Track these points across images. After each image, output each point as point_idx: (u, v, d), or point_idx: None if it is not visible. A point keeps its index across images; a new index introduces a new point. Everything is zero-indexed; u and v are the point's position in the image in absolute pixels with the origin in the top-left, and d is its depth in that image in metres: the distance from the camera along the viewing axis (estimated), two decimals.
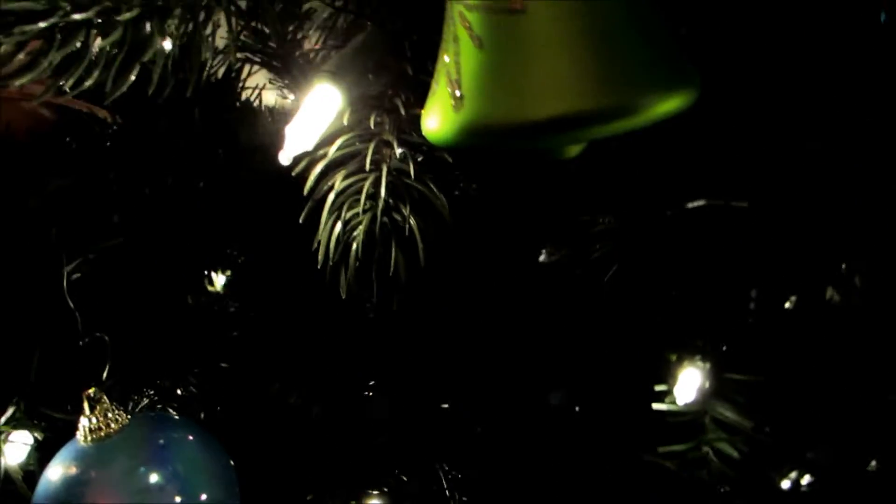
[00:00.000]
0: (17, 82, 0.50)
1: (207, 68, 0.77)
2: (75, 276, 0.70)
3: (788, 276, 0.74)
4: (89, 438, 0.65)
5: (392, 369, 0.83)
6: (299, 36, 0.86)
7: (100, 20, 0.51)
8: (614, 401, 0.79)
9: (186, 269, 0.86)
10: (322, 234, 0.59)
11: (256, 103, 0.89)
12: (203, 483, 0.66)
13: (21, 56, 0.50)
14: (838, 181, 0.67)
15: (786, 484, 0.78)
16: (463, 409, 0.81)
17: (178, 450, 0.66)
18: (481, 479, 0.81)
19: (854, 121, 0.65)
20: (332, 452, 0.82)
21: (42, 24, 0.49)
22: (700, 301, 0.74)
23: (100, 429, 0.65)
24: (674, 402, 0.73)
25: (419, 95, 0.59)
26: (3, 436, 0.71)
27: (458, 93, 0.47)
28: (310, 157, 0.60)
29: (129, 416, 0.66)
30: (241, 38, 0.83)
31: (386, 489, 0.81)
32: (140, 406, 0.79)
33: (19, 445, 0.72)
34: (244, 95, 0.88)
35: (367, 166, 0.59)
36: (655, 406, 0.74)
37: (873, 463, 0.76)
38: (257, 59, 0.89)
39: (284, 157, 0.55)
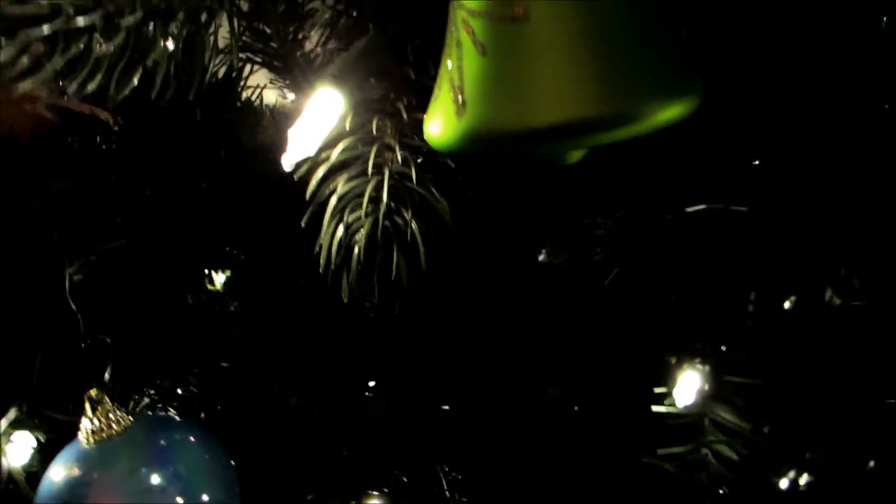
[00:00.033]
0: (21, 87, 0.50)
1: (209, 69, 0.77)
2: (77, 277, 0.70)
3: (787, 278, 0.74)
4: (91, 439, 0.65)
5: (393, 370, 0.83)
6: (300, 36, 0.86)
7: (103, 24, 0.51)
8: (614, 403, 0.79)
9: (187, 269, 0.86)
10: (324, 237, 0.59)
11: (257, 103, 0.89)
12: (204, 484, 0.66)
13: (24, 60, 0.50)
14: (838, 182, 0.67)
15: (784, 483, 0.78)
16: (463, 411, 0.82)
17: (180, 451, 0.67)
18: (481, 480, 0.81)
19: (854, 122, 0.65)
20: (333, 453, 0.82)
21: (45, 29, 0.49)
22: (699, 304, 0.74)
23: (101, 430, 0.65)
24: (673, 405, 0.73)
25: (421, 99, 0.59)
26: (5, 437, 0.71)
27: (460, 99, 0.47)
28: (312, 161, 0.60)
29: (130, 418, 0.66)
30: (243, 38, 0.83)
31: (386, 490, 0.81)
32: (141, 406, 0.80)
33: (22, 447, 0.72)
34: (245, 95, 0.88)
35: (370, 170, 0.59)
36: (655, 408, 0.74)
37: (871, 463, 0.77)
38: (258, 60, 0.89)
39: (287, 162, 0.55)
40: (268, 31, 0.84)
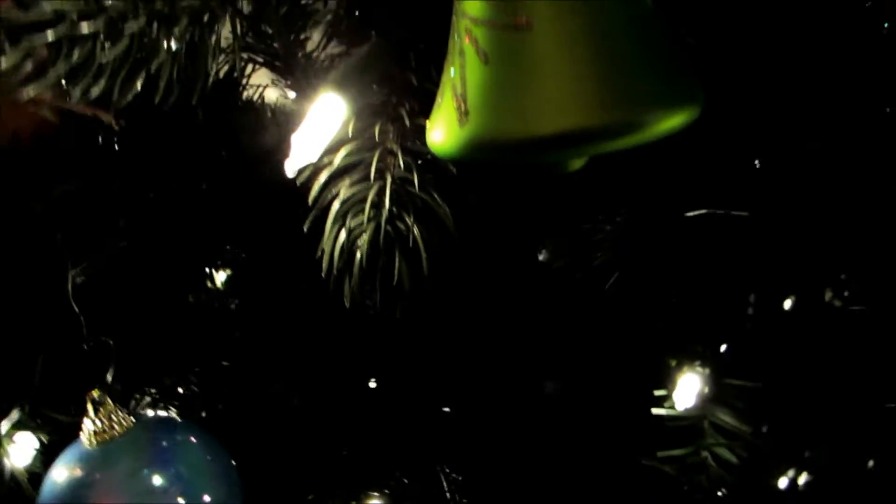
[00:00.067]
0: (25, 92, 0.50)
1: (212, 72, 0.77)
2: (79, 279, 0.70)
3: (787, 280, 0.74)
4: (93, 441, 0.65)
5: (394, 371, 0.83)
6: (302, 37, 0.86)
7: (106, 30, 0.51)
8: (614, 405, 0.80)
9: (189, 268, 0.87)
10: (326, 242, 0.59)
11: (259, 102, 0.89)
12: (206, 485, 0.66)
13: (28, 65, 0.50)
14: (838, 184, 0.67)
15: (783, 482, 0.78)
16: (464, 413, 0.82)
17: (181, 452, 0.67)
18: (481, 481, 0.82)
19: (854, 122, 0.65)
20: (334, 453, 0.82)
21: (50, 35, 0.49)
22: (700, 307, 0.74)
23: (103, 431, 0.66)
24: (673, 407, 0.73)
25: (423, 105, 0.59)
26: (7, 438, 0.71)
27: (463, 107, 0.47)
28: (314, 166, 0.60)
29: (132, 419, 0.67)
30: (246, 39, 0.83)
31: (387, 490, 0.81)
32: (142, 405, 0.80)
33: (24, 448, 0.73)
34: (246, 94, 0.88)
35: (372, 175, 0.59)
36: (655, 411, 0.74)
37: (871, 463, 0.77)
38: (260, 60, 0.89)
39: (290, 168, 0.55)
40: (269, 31, 0.84)
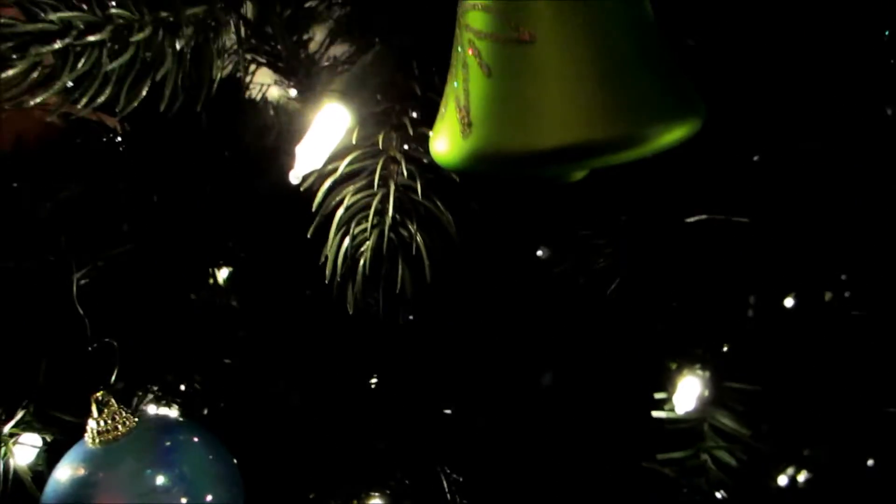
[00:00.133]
0: (32, 101, 0.50)
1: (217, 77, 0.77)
2: (84, 281, 0.70)
3: (787, 283, 0.74)
4: (97, 440, 0.65)
5: (396, 372, 0.83)
6: (305, 37, 0.86)
7: (112, 39, 0.51)
8: (615, 407, 0.80)
9: (191, 267, 0.87)
10: (330, 249, 0.60)
11: (261, 102, 0.89)
12: (208, 485, 0.66)
13: (35, 74, 0.50)
14: (838, 186, 0.67)
15: (782, 483, 0.79)
16: (465, 414, 0.82)
17: (185, 452, 0.67)
18: (482, 482, 0.82)
19: (854, 123, 0.65)
20: (335, 452, 0.83)
21: (57, 45, 0.49)
22: (700, 310, 0.74)
23: (107, 431, 0.66)
24: (673, 410, 0.73)
25: (426, 113, 0.59)
26: (12, 437, 0.72)
27: (466, 119, 0.48)
28: (318, 173, 0.60)
29: (136, 419, 0.67)
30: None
31: (387, 490, 0.82)
32: (145, 402, 0.80)
33: (28, 447, 0.73)
34: (248, 93, 0.88)
35: (376, 183, 0.59)
36: (655, 413, 0.74)
37: (870, 463, 0.77)
38: (262, 60, 0.89)
39: (294, 176, 0.55)
40: (272, 32, 0.84)
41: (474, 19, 0.47)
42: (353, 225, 0.59)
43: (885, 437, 0.77)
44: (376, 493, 0.82)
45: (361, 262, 0.59)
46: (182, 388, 0.84)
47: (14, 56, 0.48)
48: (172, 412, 0.82)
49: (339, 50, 0.80)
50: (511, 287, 0.79)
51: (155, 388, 0.82)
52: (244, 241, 0.86)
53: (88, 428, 0.66)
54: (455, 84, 0.49)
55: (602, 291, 0.71)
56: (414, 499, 0.81)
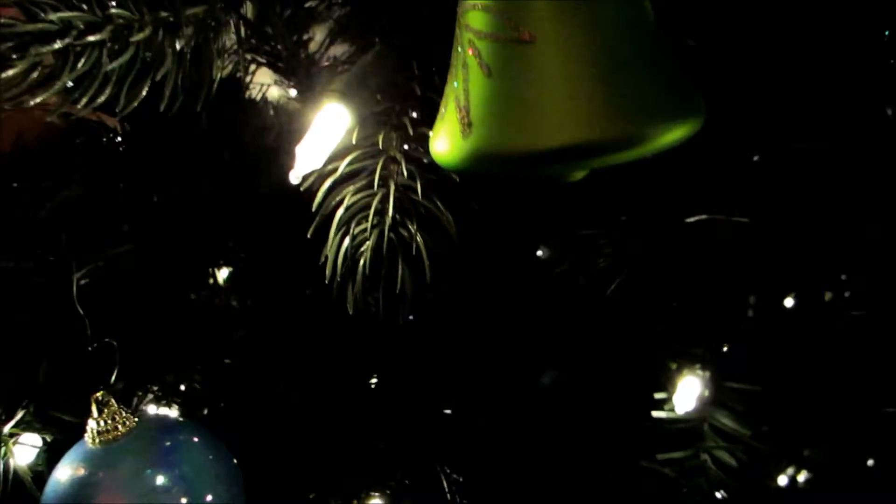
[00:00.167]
0: (32, 101, 0.50)
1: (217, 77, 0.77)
2: (84, 281, 0.70)
3: (787, 283, 0.74)
4: (97, 440, 0.65)
5: (396, 372, 0.83)
6: (305, 37, 0.86)
7: (112, 40, 0.51)
8: (615, 407, 0.80)
9: (192, 268, 0.87)
10: (330, 249, 0.60)
11: (261, 102, 0.89)
12: (208, 485, 0.66)
13: (35, 74, 0.50)
14: (838, 186, 0.67)
15: (783, 480, 0.79)
16: (465, 414, 0.82)
17: (185, 452, 0.67)
18: (482, 481, 0.82)
19: (854, 124, 0.65)
20: (335, 452, 0.83)
21: (57, 45, 0.49)
22: (700, 310, 0.74)
23: (107, 431, 0.66)
24: (673, 410, 0.73)
25: (427, 113, 0.59)
26: (12, 437, 0.71)
27: (466, 119, 0.48)
28: (318, 173, 0.60)
29: (136, 419, 0.67)
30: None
31: (387, 490, 0.82)
32: (145, 401, 0.80)
33: (28, 447, 0.73)
34: (248, 93, 0.88)
35: (376, 183, 0.59)
36: (655, 413, 0.74)
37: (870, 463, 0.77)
38: (262, 60, 0.89)
39: (294, 176, 0.55)
40: (271, 32, 0.84)
41: (474, 19, 0.47)
42: (353, 225, 0.59)
43: (885, 437, 0.77)
44: (376, 493, 0.82)
45: (361, 262, 0.59)
46: (182, 388, 0.84)
47: (14, 56, 0.48)
48: (172, 412, 0.82)
49: (339, 50, 0.80)
50: (511, 287, 0.79)
51: (155, 388, 0.82)
52: (244, 241, 0.86)
53: (88, 428, 0.66)
54: (455, 84, 0.49)
55: (602, 291, 0.71)
56: (414, 499, 0.81)
